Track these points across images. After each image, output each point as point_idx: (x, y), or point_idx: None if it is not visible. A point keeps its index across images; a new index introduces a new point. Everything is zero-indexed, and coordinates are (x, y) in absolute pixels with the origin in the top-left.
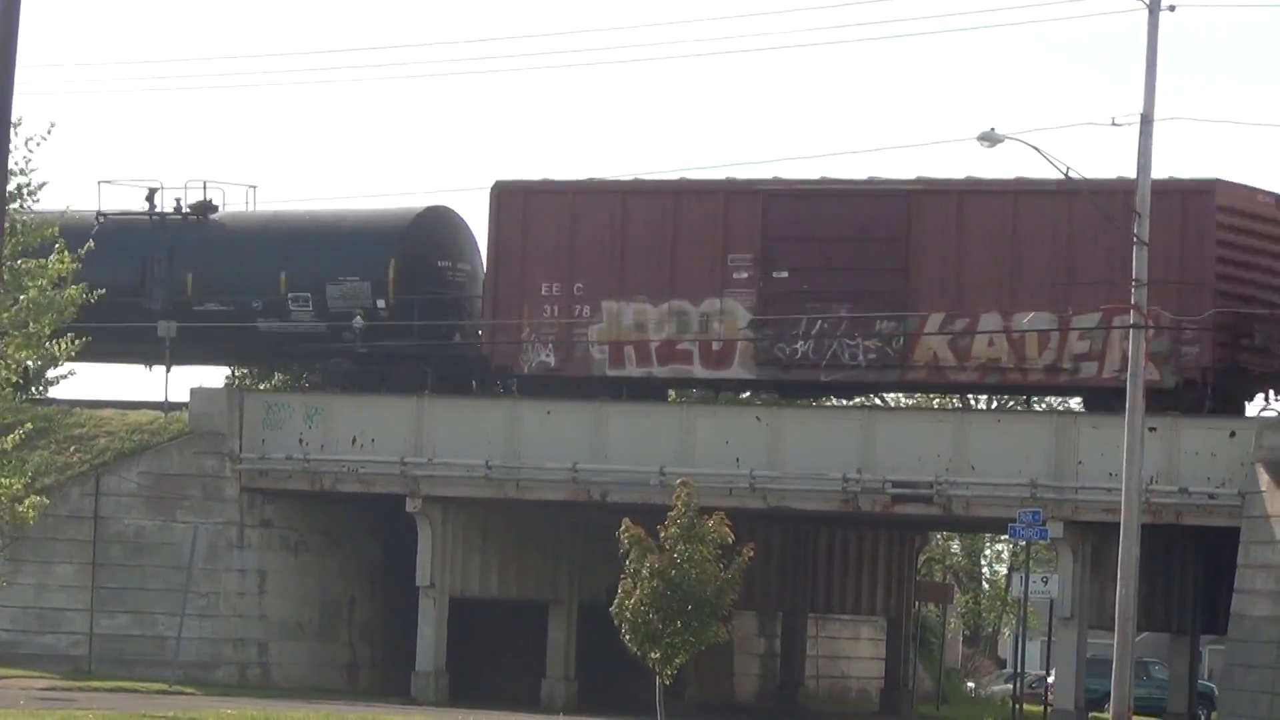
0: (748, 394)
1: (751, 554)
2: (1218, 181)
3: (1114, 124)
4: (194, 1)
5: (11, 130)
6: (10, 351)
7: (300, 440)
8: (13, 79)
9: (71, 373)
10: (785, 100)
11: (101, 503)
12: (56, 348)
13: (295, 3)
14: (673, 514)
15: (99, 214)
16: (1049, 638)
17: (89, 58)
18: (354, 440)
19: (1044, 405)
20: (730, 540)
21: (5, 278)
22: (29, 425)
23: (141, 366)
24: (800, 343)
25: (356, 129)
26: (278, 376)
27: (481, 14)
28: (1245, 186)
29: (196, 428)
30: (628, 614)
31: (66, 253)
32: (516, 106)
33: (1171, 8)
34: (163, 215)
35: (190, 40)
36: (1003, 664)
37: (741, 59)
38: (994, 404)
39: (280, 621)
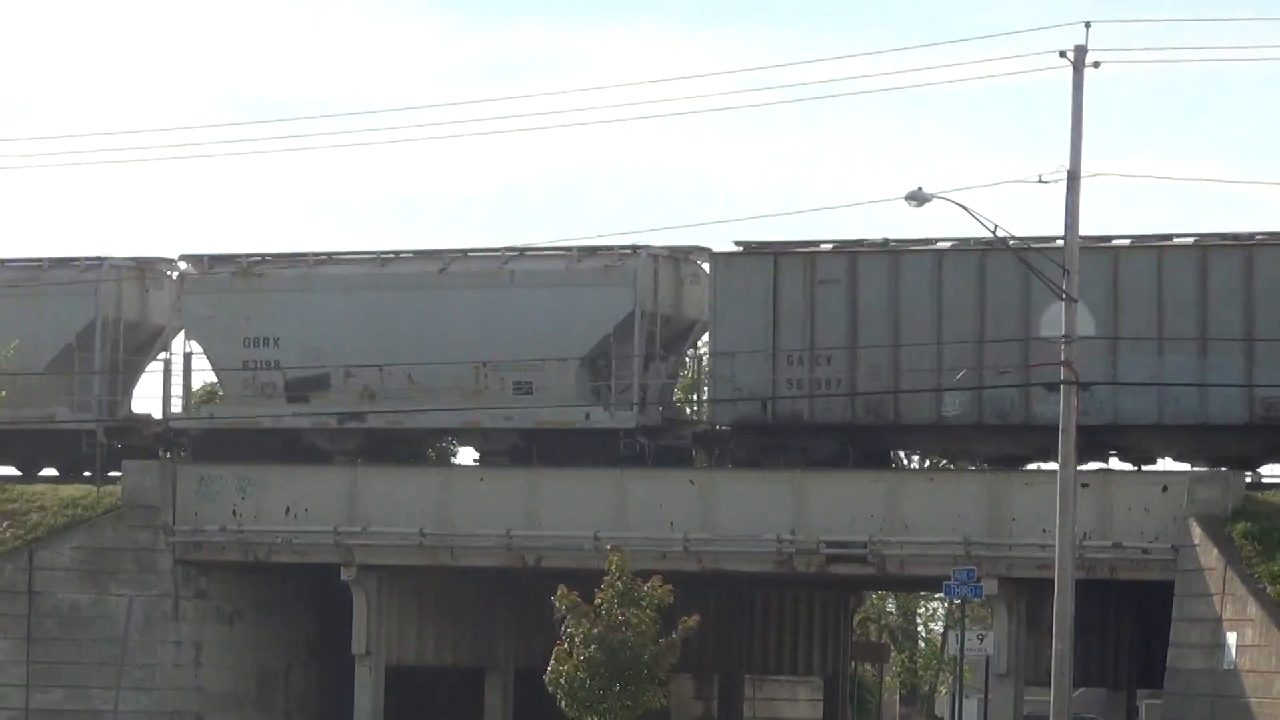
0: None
1: (694, 625)
2: None
3: (1041, 181)
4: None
5: None
6: None
7: (234, 512)
8: None
9: None
10: (708, 164)
11: (36, 577)
12: None
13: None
14: (607, 579)
15: None
16: (986, 695)
17: None
18: (288, 510)
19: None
20: (670, 602)
21: None
22: None
23: None
24: None
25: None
26: None
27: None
28: None
29: (130, 501)
30: (562, 681)
31: None
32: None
33: (1096, 64)
34: None
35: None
36: None
37: (664, 124)
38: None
39: (217, 693)
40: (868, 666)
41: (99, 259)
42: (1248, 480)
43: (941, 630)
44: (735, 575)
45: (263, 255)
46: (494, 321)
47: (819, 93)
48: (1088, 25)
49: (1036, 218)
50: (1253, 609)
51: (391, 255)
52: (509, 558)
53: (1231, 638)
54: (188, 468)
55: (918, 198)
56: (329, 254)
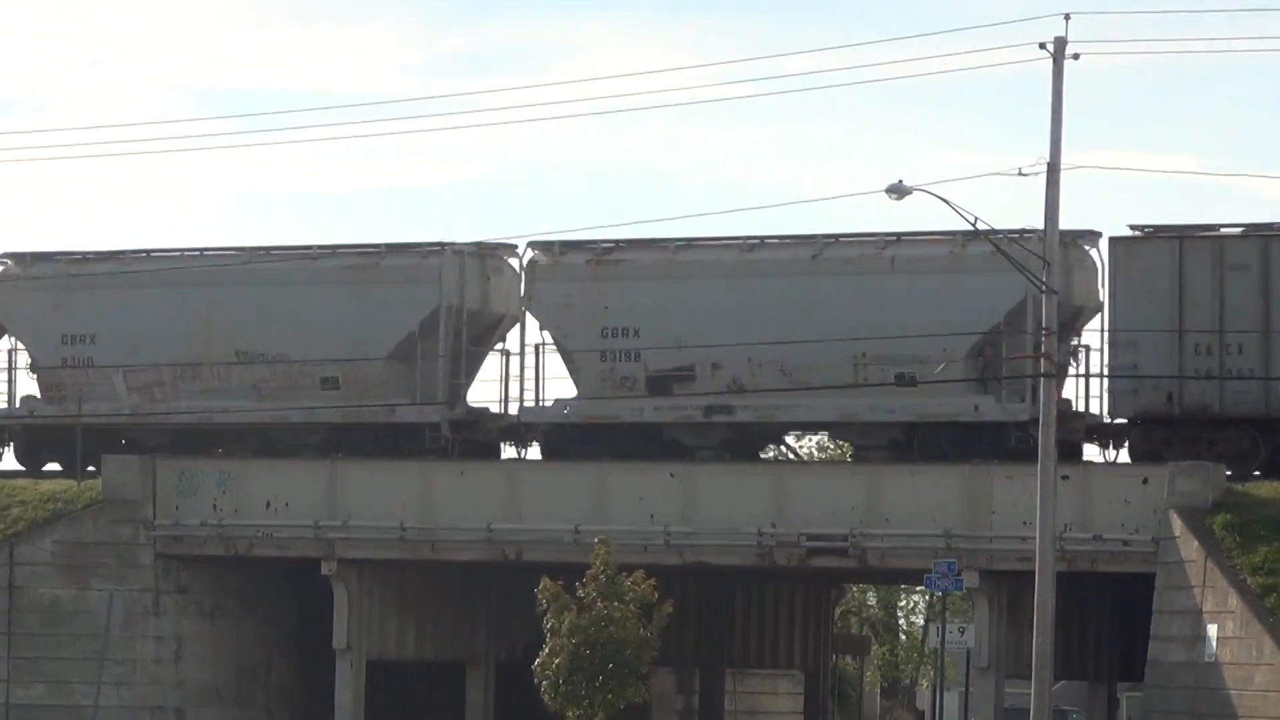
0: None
1: (670, 611)
2: None
3: (1020, 173)
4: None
5: None
6: None
7: (214, 506)
8: None
9: None
10: (688, 157)
11: (16, 572)
12: None
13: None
14: (591, 572)
15: None
16: (967, 688)
17: None
18: (268, 504)
19: None
20: (654, 599)
21: None
22: None
23: None
24: None
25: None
26: None
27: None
28: None
29: (110, 496)
30: (550, 673)
31: None
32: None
33: (1075, 56)
34: None
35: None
36: (921, 715)
37: (645, 116)
38: None
39: (197, 688)
40: (849, 660)
41: (440, 244)
42: (1227, 472)
43: (922, 623)
44: (716, 568)
45: (617, 241)
46: (873, 309)
47: (799, 85)
48: (1067, 17)
49: (1018, 210)
50: (1233, 601)
51: (758, 240)
52: (489, 551)
53: (1212, 630)
54: (168, 461)
55: (898, 190)
56: (689, 240)
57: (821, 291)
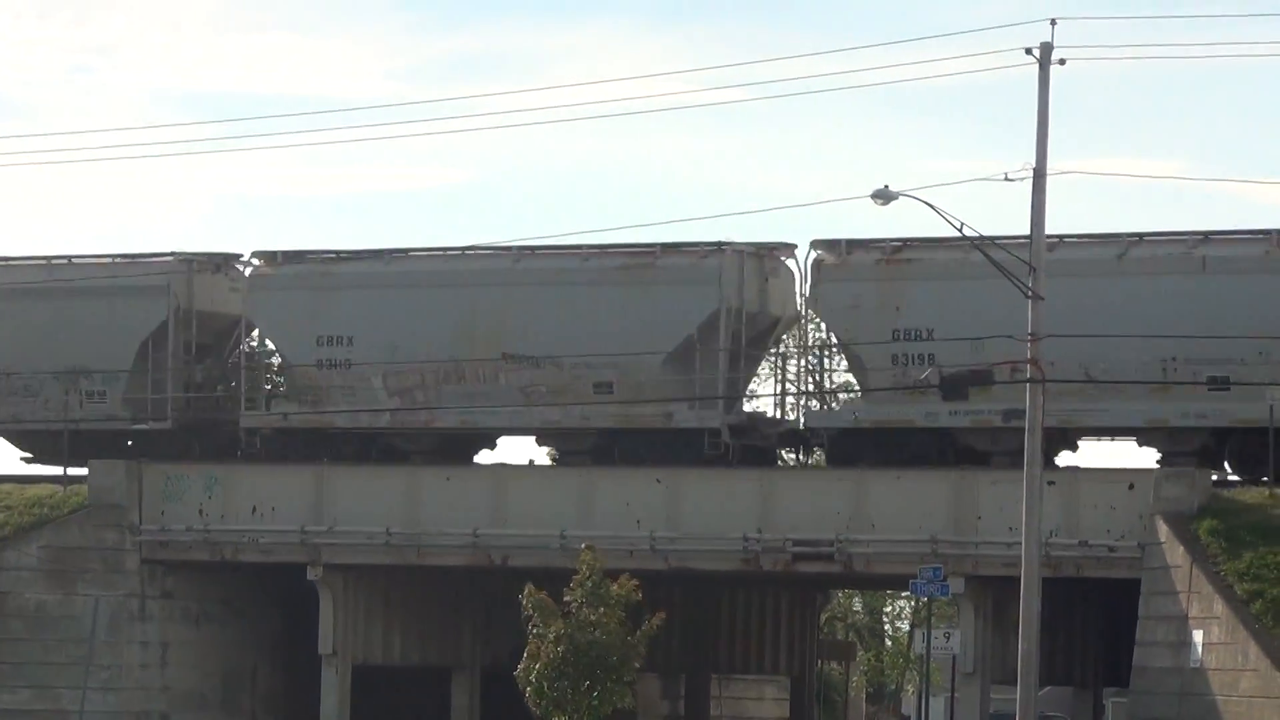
0: None
1: (661, 622)
2: None
3: (1007, 179)
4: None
5: None
6: None
7: (200, 511)
8: None
9: None
10: (677, 162)
11: (2, 578)
12: None
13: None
14: (577, 577)
15: None
16: (952, 694)
17: None
18: (254, 510)
19: None
20: (639, 599)
21: None
22: None
23: None
24: None
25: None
26: None
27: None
28: None
29: (96, 500)
30: (532, 679)
31: None
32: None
33: (1062, 61)
34: None
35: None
36: None
37: (635, 120)
38: None
39: (183, 693)
40: (834, 665)
41: (719, 244)
42: (1214, 478)
43: (908, 629)
44: (702, 574)
45: (906, 240)
46: (1182, 310)
47: (787, 90)
48: (1053, 22)
49: (1004, 216)
50: (1219, 607)
51: (1057, 239)
52: (475, 557)
53: (1198, 636)
54: (154, 466)
55: (884, 195)
56: (985, 238)
57: (1127, 292)
